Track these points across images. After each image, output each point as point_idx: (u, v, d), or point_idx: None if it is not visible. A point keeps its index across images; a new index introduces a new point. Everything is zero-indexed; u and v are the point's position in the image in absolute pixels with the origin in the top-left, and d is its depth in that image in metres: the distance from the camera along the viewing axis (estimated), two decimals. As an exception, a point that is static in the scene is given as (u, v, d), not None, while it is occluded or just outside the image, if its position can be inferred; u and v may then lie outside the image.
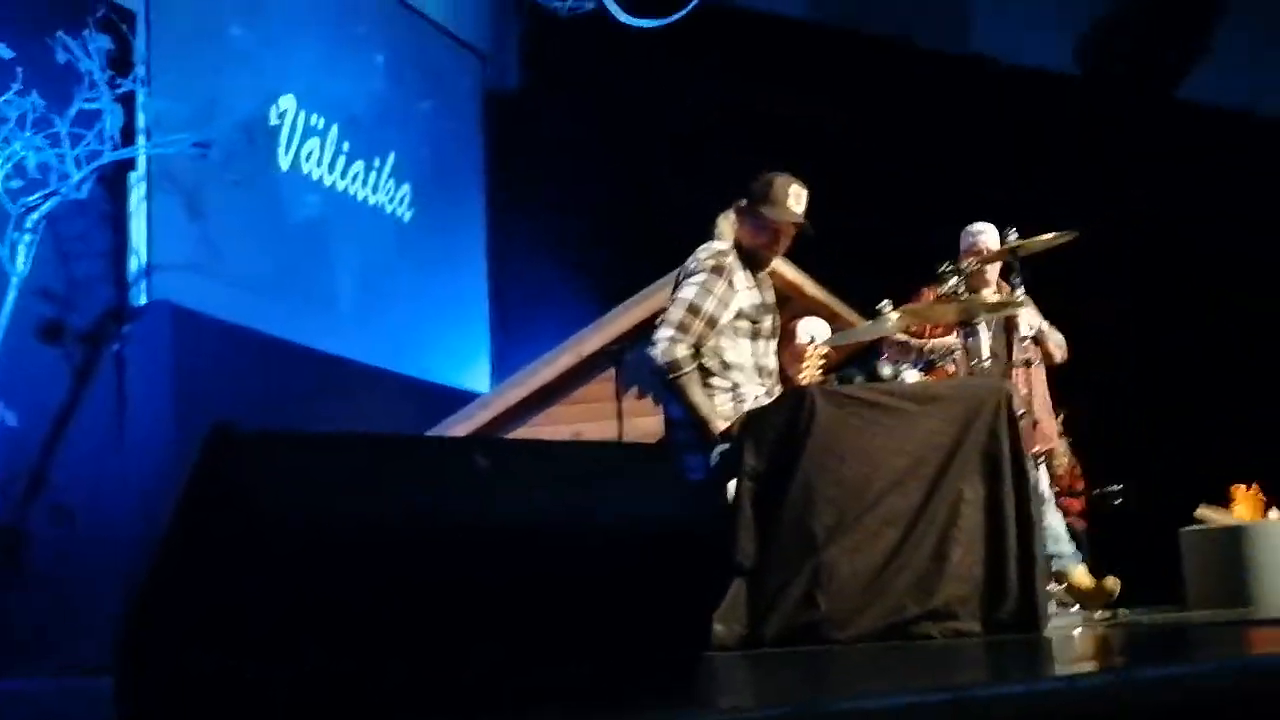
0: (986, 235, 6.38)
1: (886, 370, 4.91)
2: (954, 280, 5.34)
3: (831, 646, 4.15)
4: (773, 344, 4.95)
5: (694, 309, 4.71)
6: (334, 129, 8.29)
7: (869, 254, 8.50)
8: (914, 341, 5.83)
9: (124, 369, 6.71)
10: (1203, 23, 10.61)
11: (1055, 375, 6.55)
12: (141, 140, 6.74)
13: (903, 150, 9.79)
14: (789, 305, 6.67)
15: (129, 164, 6.78)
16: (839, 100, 9.85)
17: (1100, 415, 6.68)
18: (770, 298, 4.96)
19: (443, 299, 9.29)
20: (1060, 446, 6.47)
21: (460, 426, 7.13)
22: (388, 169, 8.82)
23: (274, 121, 7.79)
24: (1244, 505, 6.71)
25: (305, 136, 8.04)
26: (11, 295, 6.12)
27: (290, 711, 2.08)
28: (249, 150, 7.19)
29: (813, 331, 5.92)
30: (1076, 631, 4.81)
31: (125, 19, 6.72)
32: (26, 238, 6.19)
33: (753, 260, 4.89)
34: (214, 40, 7.42)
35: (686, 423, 4.72)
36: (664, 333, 4.72)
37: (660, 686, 2.60)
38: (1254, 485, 6.77)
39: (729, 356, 4.78)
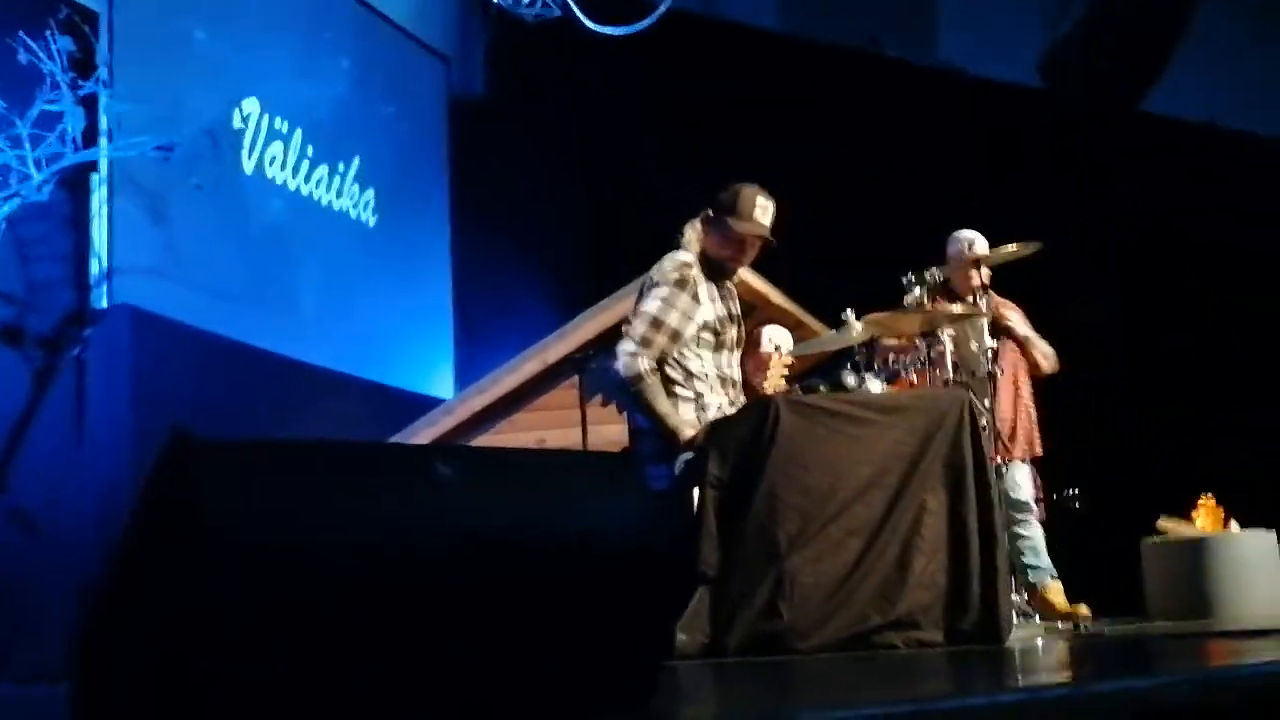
0: (978, 242, 6.40)
1: (850, 380, 4.91)
2: (918, 291, 5.35)
3: (794, 656, 4.15)
4: (736, 354, 4.96)
5: (656, 323, 4.71)
6: (298, 133, 8.26)
7: (835, 262, 8.51)
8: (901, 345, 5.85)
9: (84, 373, 6.65)
10: (1163, 39, 10.68)
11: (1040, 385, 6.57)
12: (103, 142, 6.68)
13: (870, 160, 9.81)
14: (754, 314, 6.68)
15: (91, 166, 6.72)
16: (806, 109, 9.87)
17: (1061, 425, 6.70)
18: (735, 308, 4.97)
19: (407, 304, 9.26)
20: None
21: (424, 433, 7.11)
22: (352, 174, 8.78)
23: (237, 125, 7.75)
24: (1204, 517, 6.75)
25: (269, 140, 8.01)
26: (-30, 297, 6.07)
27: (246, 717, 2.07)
28: (212, 154, 7.14)
29: (777, 340, 5.93)
30: (1039, 642, 4.82)
31: (88, 20, 6.67)
32: (-14, 239, 6.14)
33: (717, 271, 4.89)
34: (178, 43, 7.37)
35: (651, 432, 4.73)
36: (626, 346, 4.72)
37: (622, 696, 2.59)
38: (1213, 497, 6.81)
39: (692, 367, 4.78)
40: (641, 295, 4.84)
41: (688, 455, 4.60)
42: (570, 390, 6.53)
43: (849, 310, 5.22)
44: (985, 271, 6.39)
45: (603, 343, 6.60)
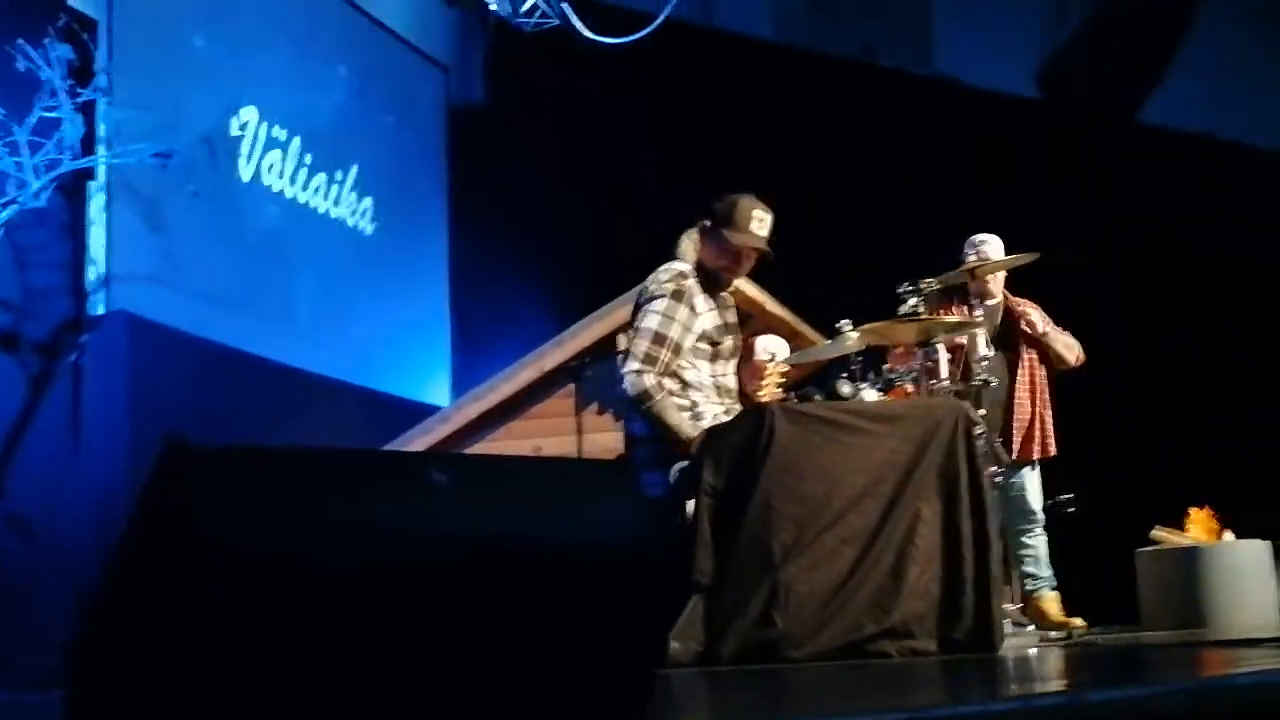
0: (990, 245, 6.40)
1: (846, 389, 4.92)
2: (914, 301, 5.35)
3: (789, 665, 4.16)
4: (732, 363, 4.96)
5: (659, 339, 4.71)
6: (296, 141, 8.27)
7: (831, 272, 8.53)
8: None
9: (81, 379, 6.66)
10: (1161, 49, 10.71)
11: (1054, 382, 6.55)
12: (101, 150, 6.70)
13: (866, 169, 9.83)
14: (750, 323, 6.69)
15: (88, 173, 6.73)
16: (802, 119, 9.89)
17: (1056, 432, 6.70)
18: (731, 318, 4.97)
19: (404, 313, 9.26)
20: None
21: (420, 440, 7.11)
22: (350, 182, 8.79)
23: (235, 133, 7.76)
24: (1198, 527, 6.76)
25: (267, 148, 8.01)
26: (-32, 304, 6.08)
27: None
28: (210, 161, 7.15)
29: (772, 349, 5.94)
30: (1032, 651, 4.83)
31: (87, 28, 6.68)
32: (-16, 246, 6.15)
33: (714, 281, 4.90)
34: (176, 50, 7.39)
35: (647, 440, 4.73)
36: (631, 365, 4.71)
37: (616, 704, 2.60)
38: (1207, 507, 6.81)
39: (688, 376, 4.78)
40: (639, 307, 4.83)
41: (683, 463, 4.60)
42: (566, 398, 6.55)
43: (845, 320, 5.23)
44: (999, 276, 6.39)
45: (599, 351, 6.62)
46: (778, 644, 4.21)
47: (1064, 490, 6.47)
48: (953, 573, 4.33)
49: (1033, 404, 6.41)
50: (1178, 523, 6.82)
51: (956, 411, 4.52)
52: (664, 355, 4.70)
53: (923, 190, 9.71)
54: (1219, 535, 6.70)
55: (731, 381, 4.95)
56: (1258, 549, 6.56)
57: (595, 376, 6.40)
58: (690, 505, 4.44)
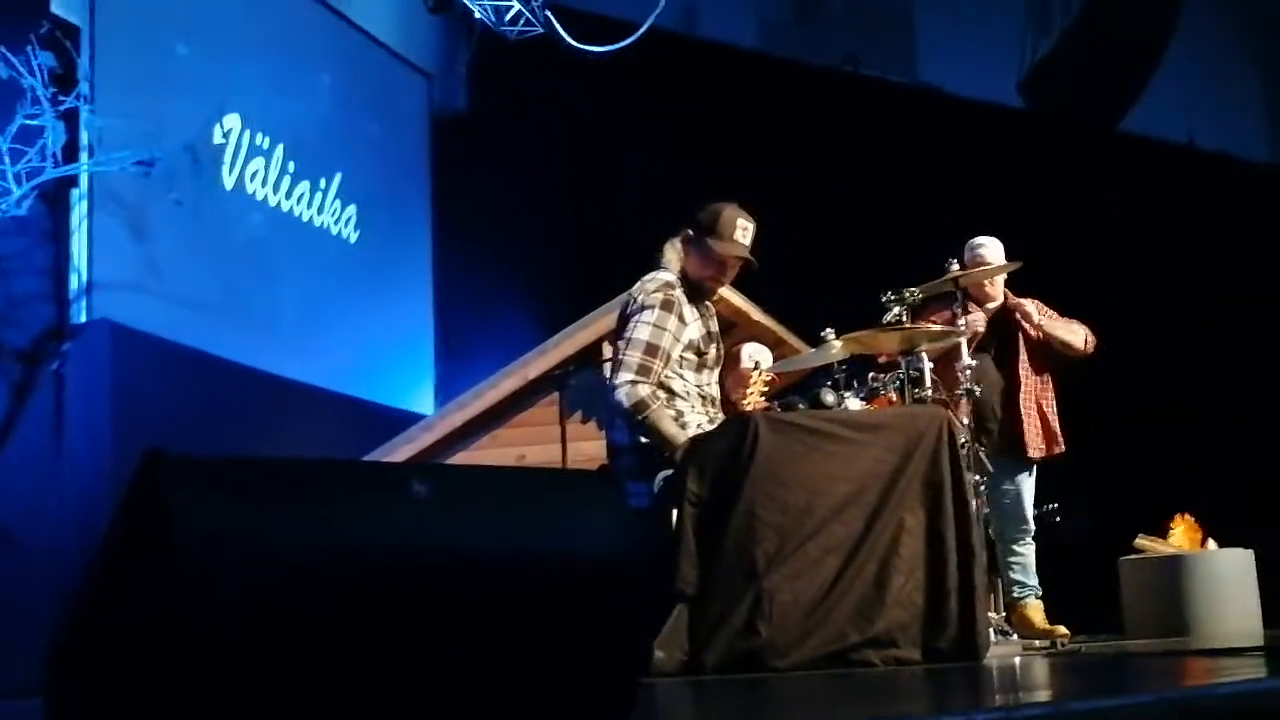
0: (986, 248, 6.40)
1: (829, 397, 4.92)
2: (897, 310, 5.36)
3: (772, 674, 4.16)
4: (716, 372, 4.97)
5: (652, 349, 4.71)
6: (279, 149, 8.25)
7: (814, 280, 8.54)
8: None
9: (63, 387, 6.63)
10: (1143, 59, 10.76)
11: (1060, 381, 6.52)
12: (84, 158, 6.67)
13: (849, 178, 9.85)
14: (733, 331, 6.70)
15: (71, 181, 6.71)
16: (786, 128, 9.91)
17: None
18: (714, 327, 4.98)
19: (388, 321, 9.24)
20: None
21: (404, 449, 7.10)
22: (333, 190, 8.77)
23: (218, 140, 7.73)
24: (1181, 535, 6.78)
25: (250, 156, 7.99)
26: (-50, 312, 6.06)
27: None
28: (193, 169, 7.12)
29: (756, 357, 5.94)
30: (1016, 660, 4.83)
31: (69, 35, 6.66)
32: (-35, 254, 6.13)
33: (698, 291, 4.90)
34: (159, 58, 7.37)
35: (629, 449, 4.73)
36: (624, 376, 4.70)
37: (600, 715, 2.59)
38: (1190, 516, 6.83)
39: (675, 386, 4.79)
40: (627, 318, 4.82)
41: (667, 473, 4.60)
42: (551, 406, 6.54)
43: (829, 329, 5.24)
44: (999, 278, 6.39)
45: (583, 359, 6.62)
46: (762, 653, 4.21)
47: (1049, 498, 6.48)
48: (936, 582, 4.34)
49: (1035, 405, 6.39)
50: (1161, 531, 6.84)
51: (940, 420, 4.52)
52: (657, 366, 4.71)
53: (906, 199, 9.73)
54: (1202, 544, 6.73)
55: (715, 390, 4.96)
56: (1240, 558, 6.58)
57: (579, 385, 6.40)
58: (674, 514, 4.44)
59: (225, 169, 7.79)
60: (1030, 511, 6.36)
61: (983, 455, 5.75)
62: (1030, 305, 6.38)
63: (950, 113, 10.64)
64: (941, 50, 11.08)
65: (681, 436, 4.64)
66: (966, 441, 5.28)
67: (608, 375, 4.95)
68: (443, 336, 9.75)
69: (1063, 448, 6.37)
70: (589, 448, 6.29)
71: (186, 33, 7.57)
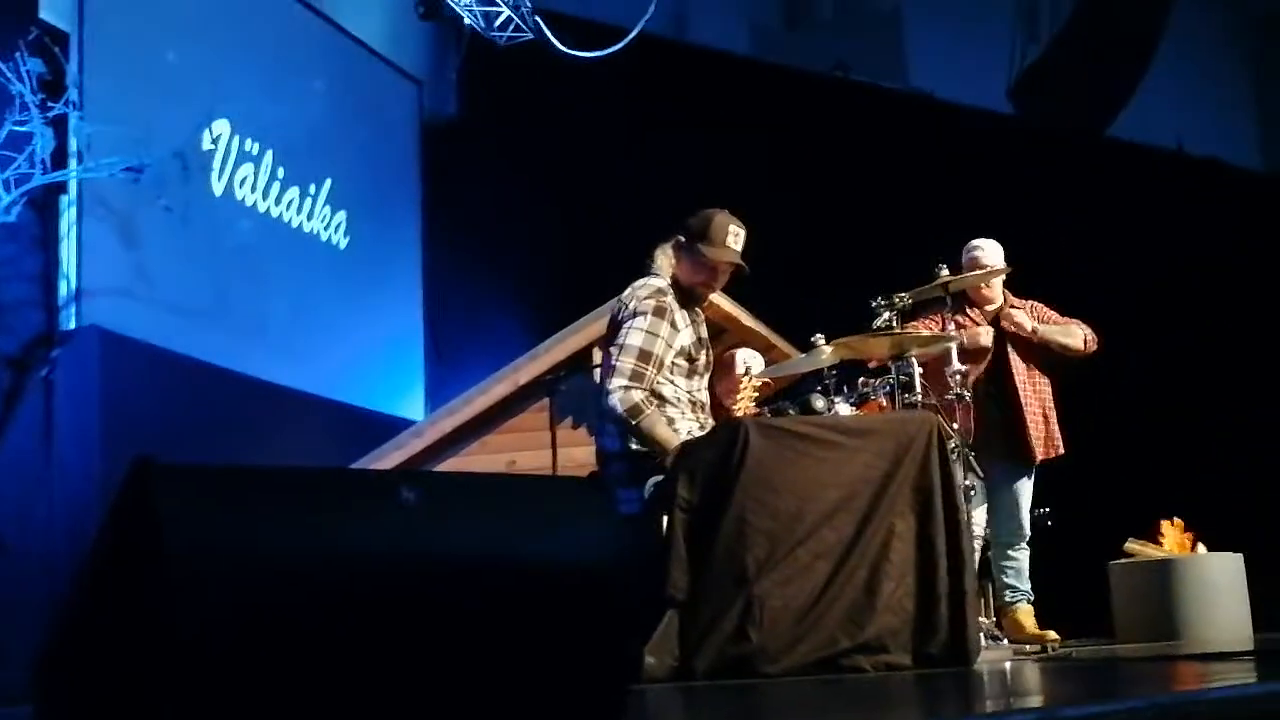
0: (983, 250, 6.40)
1: (819, 403, 4.93)
2: (887, 314, 5.37)
3: (763, 679, 4.15)
4: (706, 378, 4.97)
5: (645, 355, 4.71)
6: (269, 154, 8.24)
7: (805, 285, 8.55)
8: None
9: (52, 394, 6.62)
10: (1132, 65, 10.78)
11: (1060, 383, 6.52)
12: (73, 164, 6.66)
13: (841, 183, 9.86)
14: (723, 337, 6.69)
15: (60, 188, 6.70)
16: (776, 133, 9.91)
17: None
18: (704, 332, 4.98)
19: (377, 326, 9.24)
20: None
21: (394, 455, 7.09)
22: (323, 196, 8.77)
23: (208, 146, 7.72)
24: (1171, 539, 6.79)
25: (239, 162, 7.98)
26: (-60, 318, 6.05)
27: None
28: (182, 175, 7.12)
29: (749, 362, 5.94)
30: (1007, 665, 4.84)
31: (58, 41, 6.65)
32: (-45, 261, 6.12)
33: (689, 296, 4.90)
34: (148, 64, 7.36)
35: (620, 455, 4.73)
36: (618, 382, 4.69)
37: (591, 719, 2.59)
38: (1180, 520, 6.85)
39: (666, 392, 4.78)
40: (619, 324, 4.81)
41: (658, 479, 4.60)
42: (541, 412, 6.54)
43: (819, 334, 5.25)
44: (996, 280, 6.40)
45: (574, 365, 6.61)
46: (752, 659, 4.21)
47: (1040, 501, 6.49)
48: (927, 587, 4.33)
49: (1039, 408, 6.39)
50: (1151, 535, 6.86)
51: (930, 425, 4.52)
52: (650, 371, 4.71)
53: (896, 204, 9.74)
54: (1191, 548, 6.74)
55: (705, 396, 4.96)
56: (1230, 561, 6.60)
57: (570, 390, 6.40)
58: (665, 520, 4.43)
59: (214, 175, 7.79)
60: (1027, 516, 6.36)
61: (973, 460, 5.75)
62: (1021, 315, 6.37)
63: (941, 119, 10.66)
64: (931, 56, 11.10)
65: (676, 441, 4.64)
66: (957, 446, 5.28)
67: (598, 381, 4.95)
68: (433, 342, 9.75)
69: (1063, 450, 6.38)
70: (579, 453, 6.28)
71: (175, 38, 7.56)
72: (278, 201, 8.34)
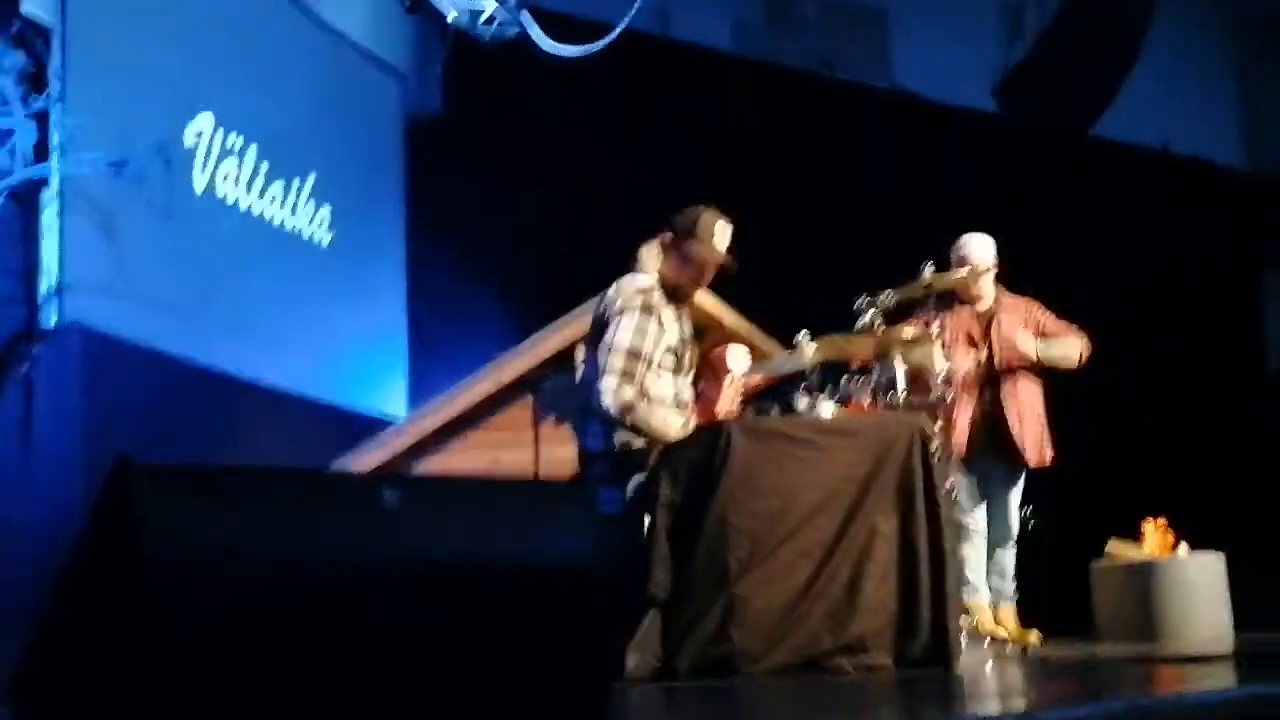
0: (971, 246, 6.41)
1: (802, 402, 4.92)
2: (871, 314, 5.37)
3: (745, 679, 4.15)
4: (691, 376, 4.96)
5: (634, 353, 4.71)
6: (252, 150, 8.20)
7: (789, 284, 8.54)
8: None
9: (32, 391, 6.58)
10: (1117, 64, 10.79)
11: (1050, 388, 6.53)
12: (55, 158, 6.62)
13: (825, 181, 9.85)
14: (708, 335, 6.68)
15: (41, 182, 6.65)
16: (760, 131, 9.90)
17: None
18: (689, 330, 4.98)
19: (361, 323, 9.20)
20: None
21: (376, 453, 7.06)
22: (307, 190, 8.73)
23: (190, 142, 7.68)
24: (1153, 540, 6.80)
25: (222, 157, 7.94)
26: (-82, 313, 6.01)
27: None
28: (165, 170, 7.08)
29: (737, 360, 5.92)
30: (988, 666, 4.84)
31: (40, 35, 6.61)
32: (-66, 256, 6.09)
33: (675, 294, 4.90)
34: (131, 58, 7.31)
35: (602, 455, 4.72)
36: (609, 381, 4.69)
37: (573, 718, 2.59)
38: (1161, 520, 6.86)
39: (653, 391, 4.78)
40: (606, 322, 4.80)
41: (640, 478, 4.60)
42: (524, 411, 6.52)
43: (803, 333, 5.24)
44: (987, 278, 6.40)
45: (557, 363, 6.60)
46: (734, 658, 4.21)
47: (1023, 501, 6.50)
48: (909, 588, 4.34)
49: (1034, 413, 6.40)
50: (1132, 536, 6.87)
51: (912, 426, 4.52)
52: (640, 369, 4.71)
53: (880, 202, 9.74)
54: (1173, 548, 6.75)
55: (689, 394, 4.95)
56: (1211, 562, 6.61)
57: (553, 388, 6.38)
58: (647, 520, 4.43)
59: (197, 170, 7.74)
60: (1015, 518, 6.38)
61: (954, 461, 5.76)
62: (1025, 342, 6.35)
63: (925, 117, 10.66)
64: (916, 55, 11.09)
65: (671, 430, 4.65)
66: (939, 448, 5.28)
67: (578, 380, 4.94)
68: (416, 339, 9.72)
69: (1049, 458, 6.40)
70: (562, 451, 6.26)
71: (159, 33, 7.51)
72: (261, 197, 8.31)
